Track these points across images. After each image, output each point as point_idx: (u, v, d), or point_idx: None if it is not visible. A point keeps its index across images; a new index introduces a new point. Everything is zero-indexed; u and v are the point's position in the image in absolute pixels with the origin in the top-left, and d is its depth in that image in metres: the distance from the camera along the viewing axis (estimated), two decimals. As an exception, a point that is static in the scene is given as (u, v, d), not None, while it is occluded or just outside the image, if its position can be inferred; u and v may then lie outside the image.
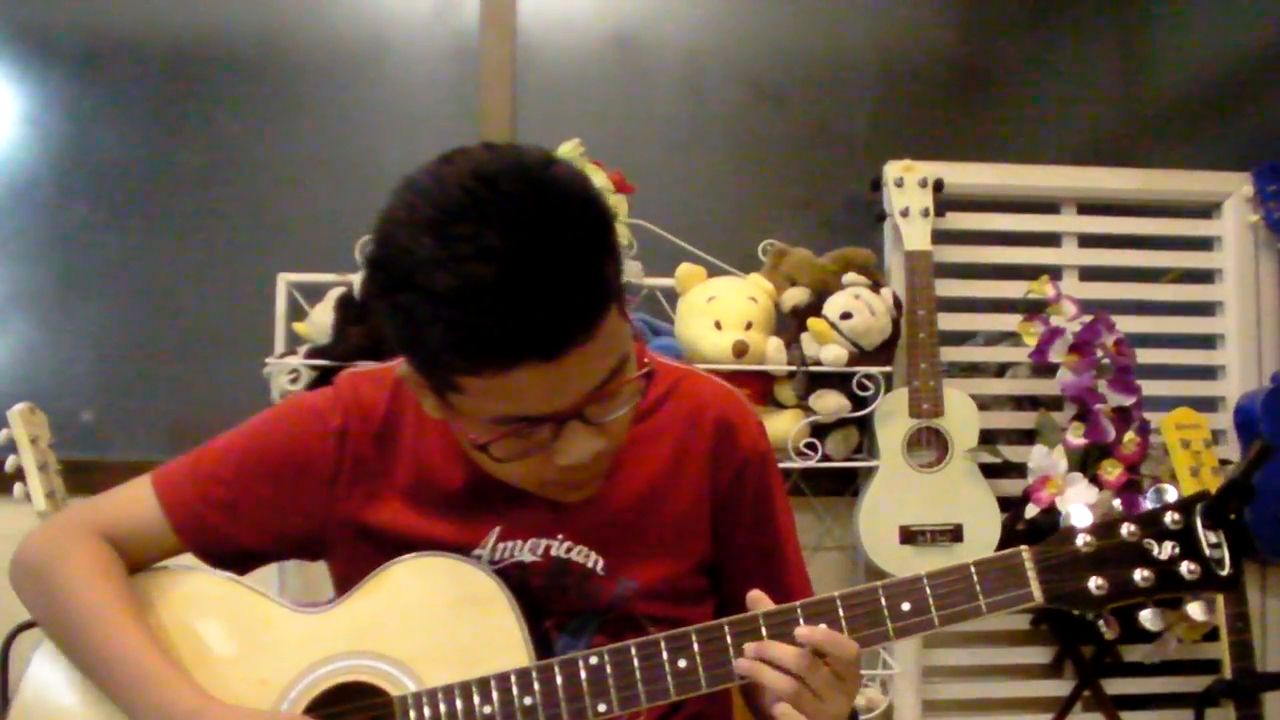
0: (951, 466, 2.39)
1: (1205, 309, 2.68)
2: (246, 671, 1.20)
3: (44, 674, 1.24)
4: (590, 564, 1.26)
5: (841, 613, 1.12)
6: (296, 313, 2.32)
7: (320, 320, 2.22)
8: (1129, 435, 2.36)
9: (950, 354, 2.53)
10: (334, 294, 2.24)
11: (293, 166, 2.59)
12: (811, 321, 2.32)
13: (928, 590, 1.13)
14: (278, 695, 1.19)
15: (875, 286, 2.38)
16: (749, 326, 2.28)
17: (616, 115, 2.68)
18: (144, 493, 1.27)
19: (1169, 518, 1.11)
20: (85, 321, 2.54)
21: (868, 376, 2.34)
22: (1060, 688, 2.53)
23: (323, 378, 2.09)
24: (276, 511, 1.27)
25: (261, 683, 1.20)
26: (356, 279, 2.21)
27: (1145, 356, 2.50)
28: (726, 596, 1.34)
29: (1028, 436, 2.50)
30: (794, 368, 2.31)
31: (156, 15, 2.59)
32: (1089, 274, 2.64)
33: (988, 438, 2.45)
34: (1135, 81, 2.91)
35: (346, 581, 1.26)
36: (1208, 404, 2.60)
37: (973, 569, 1.13)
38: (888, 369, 2.38)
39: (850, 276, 2.37)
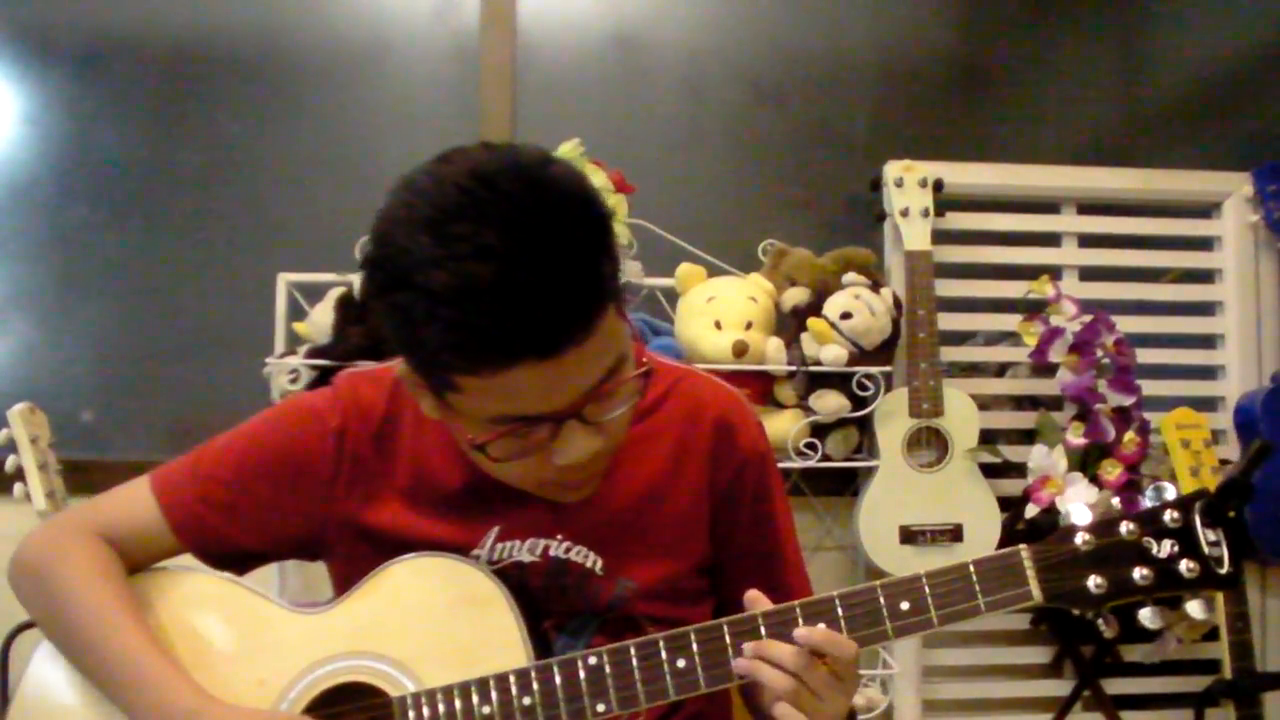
0: (951, 466, 2.39)
1: (1205, 309, 2.68)
2: (245, 672, 1.20)
3: (44, 673, 1.24)
4: (589, 564, 1.26)
5: (840, 612, 1.12)
6: (296, 313, 2.32)
7: (320, 320, 2.22)
8: (1129, 435, 2.36)
9: (950, 354, 2.53)
10: (334, 294, 2.24)
11: (293, 166, 2.59)
12: (811, 321, 2.32)
13: (926, 590, 1.12)
14: (277, 695, 1.19)
15: (875, 286, 2.38)
16: (749, 326, 2.28)
17: (616, 115, 2.68)
18: (143, 493, 1.27)
19: (1168, 516, 1.11)
20: (85, 321, 2.54)
21: (868, 376, 2.34)
22: (1060, 687, 2.53)
23: (323, 378, 2.09)
24: (275, 512, 1.27)
25: (260, 683, 1.20)
26: (356, 279, 2.21)
27: (1145, 356, 2.49)
28: (726, 597, 1.34)
29: (1028, 436, 2.50)
30: (794, 368, 2.31)
31: (156, 15, 2.59)
32: (1089, 274, 2.63)
33: (988, 438, 2.45)
34: (1135, 81, 2.91)
35: (346, 582, 1.26)
36: (1208, 404, 2.60)
37: (972, 568, 1.12)
38: (888, 369, 2.38)
39: (850, 276, 2.37)
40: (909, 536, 2.37)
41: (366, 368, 1.36)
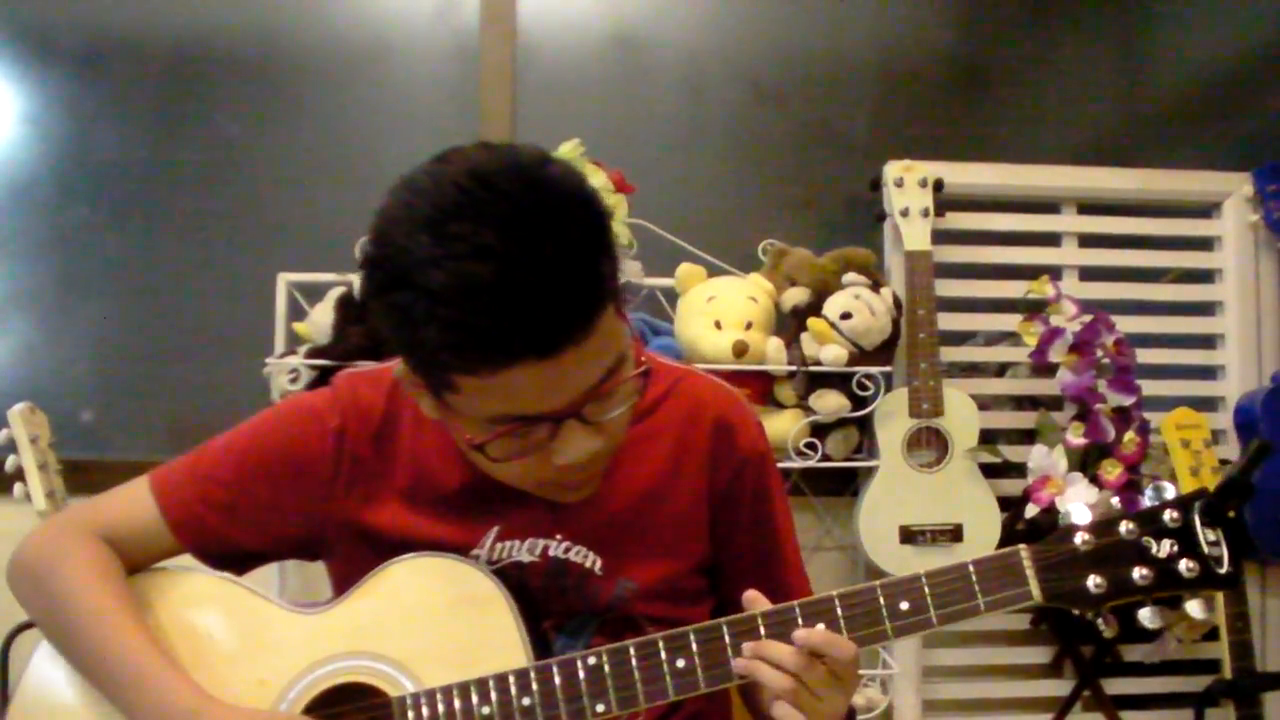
0: (951, 466, 2.39)
1: (1205, 309, 2.68)
2: (245, 672, 1.20)
3: (44, 672, 1.24)
4: (588, 564, 1.26)
5: (840, 612, 1.12)
6: (296, 313, 2.32)
7: (320, 320, 2.22)
8: (1129, 435, 2.36)
9: (950, 354, 2.53)
10: (334, 294, 2.25)
11: (293, 166, 2.59)
12: (811, 321, 2.32)
13: (926, 590, 1.12)
14: (276, 695, 1.19)
15: (875, 286, 2.38)
16: (749, 326, 2.28)
17: (616, 115, 2.68)
18: (142, 494, 1.27)
19: (1167, 515, 1.11)
20: (85, 321, 2.54)
21: (868, 376, 2.34)
22: (1060, 687, 2.53)
23: (323, 378, 2.09)
24: (275, 512, 1.27)
25: (260, 683, 1.20)
26: (356, 279, 2.20)
27: (1145, 356, 2.49)
28: (725, 596, 1.34)
29: (1028, 436, 2.50)
30: (794, 368, 2.31)
31: (156, 15, 2.59)
32: (1089, 274, 2.63)
33: (988, 438, 2.45)
34: (1135, 81, 2.91)
35: (345, 582, 1.26)
36: (1208, 404, 2.60)
37: (971, 568, 1.12)
38: (888, 369, 2.38)
39: (850, 276, 2.37)
40: (909, 536, 2.37)
41: (365, 368, 1.36)
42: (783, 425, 2.31)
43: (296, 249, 2.47)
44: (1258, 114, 2.85)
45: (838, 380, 2.34)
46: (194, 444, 1.31)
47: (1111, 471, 2.36)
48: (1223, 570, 1.10)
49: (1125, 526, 1.11)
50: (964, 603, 1.12)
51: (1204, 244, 2.67)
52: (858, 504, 2.42)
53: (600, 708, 1.13)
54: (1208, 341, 2.67)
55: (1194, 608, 1.11)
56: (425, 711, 1.16)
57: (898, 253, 2.47)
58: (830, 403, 2.33)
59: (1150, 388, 2.47)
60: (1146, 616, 1.12)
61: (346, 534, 1.27)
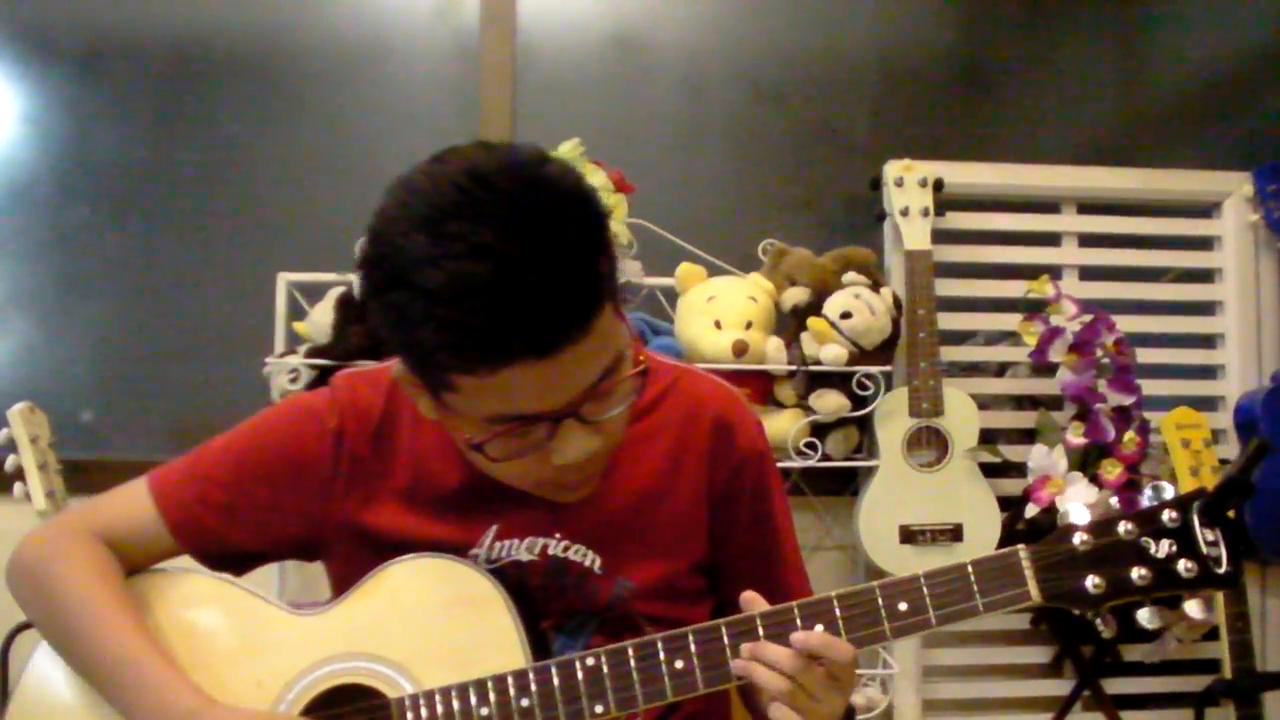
0: (951, 466, 2.39)
1: (1205, 308, 2.68)
2: (244, 673, 1.20)
3: (43, 672, 1.24)
4: (587, 563, 1.26)
5: (838, 613, 1.12)
6: (296, 312, 2.32)
7: (320, 320, 2.22)
8: (1129, 435, 2.36)
9: (950, 354, 2.53)
10: (334, 294, 2.25)
11: (293, 166, 2.60)
12: (811, 321, 2.32)
13: (925, 590, 1.12)
14: (275, 697, 1.19)
15: (875, 286, 2.38)
16: (749, 326, 2.28)
17: (616, 115, 2.68)
18: (140, 495, 1.27)
19: (1166, 515, 1.11)
20: (85, 321, 2.54)
21: (868, 376, 2.34)
22: (1060, 687, 2.53)
23: (322, 377, 2.09)
24: (273, 513, 1.27)
25: (259, 684, 1.20)
26: (356, 278, 2.21)
27: (1145, 356, 2.49)
28: (725, 596, 1.34)
29: (1028, 436, 2.50)
30: (794, 367, 2.31)
31: (156, 15, 2.60)
32: (1089, 274, 2.63)
33: (988, 437, 2.45)
34: (1135, 81, 2.91)
35: (344, 582, 1.26)
36: (1208, 403, 2.60)
37: (970, 569, 1.12)
38: (888, 368, 2.38)
39: (850, 276, 2.37)
40: (909, 536, 2.37)
41: (364, 368, 1.36)
42: (783, 425, 2.31)
43: (296, 249, 2.47)
44: (1258, 114, 2.85)
45: (838, 380, 2.34)
46: (194, 444, 1.31)
47: (1111, 471, 2.36)
48: (1221, 570, 1.10)
49: (1124, 527, 1.11)
50: (962, 603, 1.12)
51: (1204, 244, 2.67)
52: (858, 504, 2.42)
53: (599, 709, 1.13)
54: (1208, 341, 2.67)
55: (1192, 608, 1.11)
56: (424, 713, 1.15)
57: (898, 252, 2.47)
58: (830, 402, 2.33)
59: (1150, 387, 2.47)
60: (1145, 617, 1.12)
61: (345, 534, 1.27)
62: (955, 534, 2.38)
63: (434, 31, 2.66)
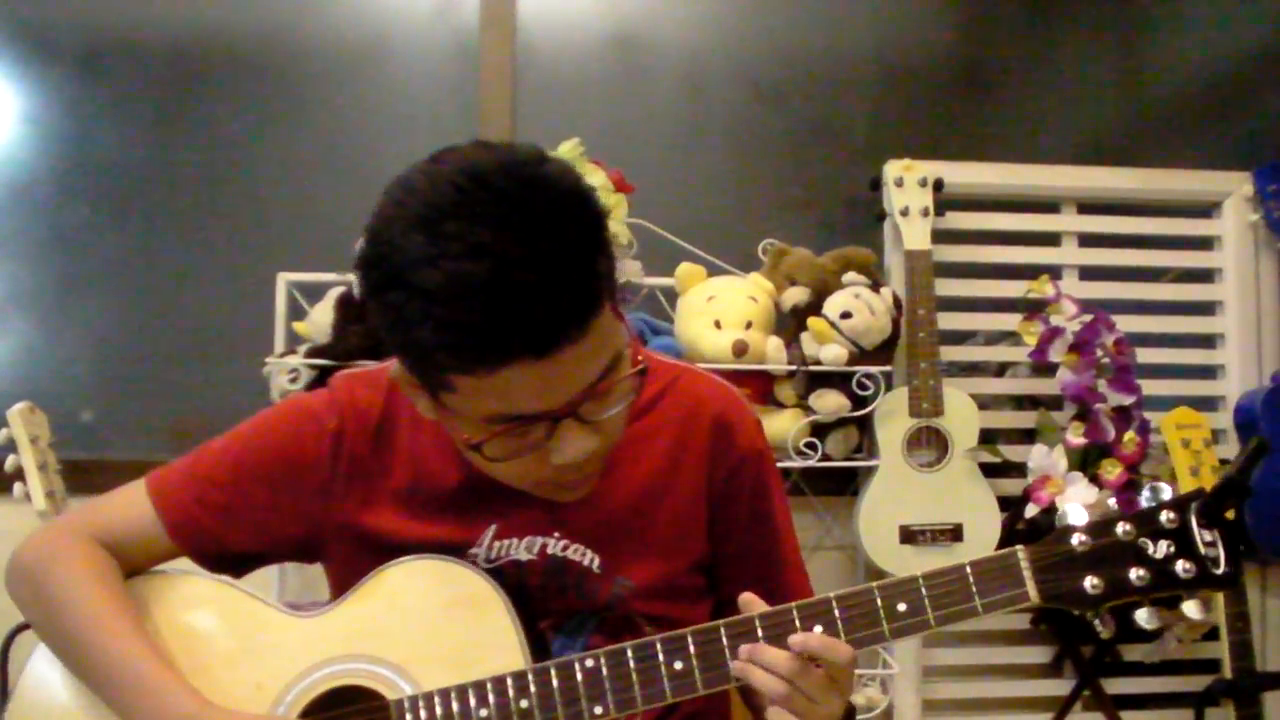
0: (951, 466, 2.39)
1: (1205, 308, 2.67)
2: (243, 675, 1.20)
3: (42, 673, 1.24)
4: (586, 562, 1.26)
5: (837, 614, 1.12)
6: (296, 312, 2.32)
7: (320, 320, 2.22)
8: (1129, 435, 2.36)
9: (950, 354, 2.53)
10: (334, 293, 2.25)
11: (293, 166, 2.60)
12: (811, 321, 2.32)
13: (924, 591, 1.12)
14: (274, 699, 1.19)
15: (875, 286, 2.37)
16: (749, 326, 2.28)
17: (616, 115, 2.68)
18: (139, 496, 1.27)
19: (1164, 516, 1.11)
20: (85, 321, 2.55)
21: (868, 376, 2.34)
22: (1060, 687, 2.53)
23: (322, 377, 2.09)
24: (272, 514, 1.26)
25: (257, 686, 1.19)
26: (355, 278, 2.21)
27: (1145, 356, 2.49)
28: (724, 595, 1.34)
29: (1028, 436, 2.50)
30: (794, 367, 2.31)
31: (156, 15, 2.60)
32: (1089, 274, 2.63)
33: (988, 437, 2.45)
34: (1135, 81, 2.91)
35: (343, 584, 1.26)
36: (1208, 403, 2.60)
37: (969, 569, 1.12)
38: (888, 368, 2.38)
39: (850, 276, 2.36)
40: (909, 536, 2.37)
41: (363, 368, 1.35)
42: (783, 425, 2.31)
43: (296, 249, 2.47)
44: (1258, 114, 2.85)
45: (838, 380, 2.34)
46: (194, 444, 1.31)
47: (1111, 471, 2.35)
48: (1219, 570, 1.09)
49: (1122, 527, 1.11)
50: (961, 604, 1.12)
51: (1204, 243, 2.67)
52: (858, 504, 2.42)
53: (598, 710, 1.13)
54: (1208, 341, 2.67)
55: (1191, 608, 1.11)
56: (423, 714, 1.15)
57: (898, 252, 2.47)
58: (830, 402, 2.33)
59: (1150, 387, 2.47)
60: (1144, 617, 1.11)
61: (344, 535, 1.27)
62: (955, 534, 2.38)
63: (434, 31, 2.66)
